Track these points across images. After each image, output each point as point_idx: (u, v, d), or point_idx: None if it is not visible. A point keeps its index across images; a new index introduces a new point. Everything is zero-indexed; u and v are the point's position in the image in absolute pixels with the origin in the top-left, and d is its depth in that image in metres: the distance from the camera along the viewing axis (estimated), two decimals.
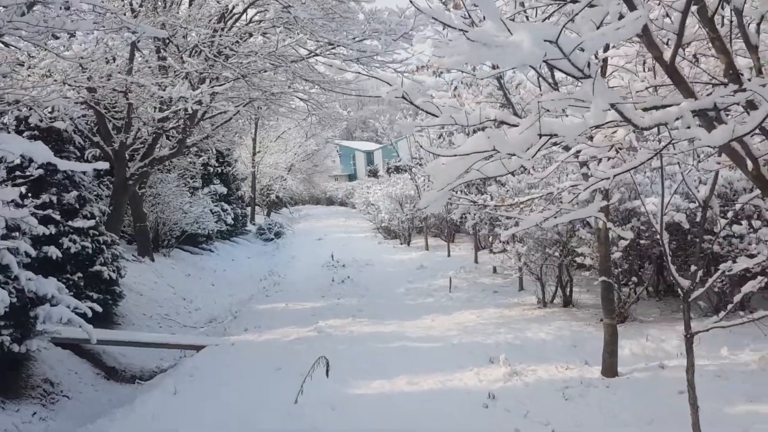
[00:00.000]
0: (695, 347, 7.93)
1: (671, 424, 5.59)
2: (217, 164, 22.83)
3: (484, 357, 8.23)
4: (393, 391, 7.15)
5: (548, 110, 2.44)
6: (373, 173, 51.34)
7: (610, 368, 7.07)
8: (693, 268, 5.18)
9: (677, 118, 2.77)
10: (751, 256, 8.89)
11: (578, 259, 9.82)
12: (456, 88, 7.07)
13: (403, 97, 2.97)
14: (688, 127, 2.83)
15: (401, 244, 22.95)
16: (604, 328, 7.16)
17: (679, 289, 5.21)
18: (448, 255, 18.76)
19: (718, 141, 2.54)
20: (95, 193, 12.30)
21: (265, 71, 13.06)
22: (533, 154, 2.47)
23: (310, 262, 19.05)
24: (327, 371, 6.45)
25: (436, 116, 2.94)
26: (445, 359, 8.32)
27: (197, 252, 20.02)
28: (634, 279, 9.80)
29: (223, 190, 22.76)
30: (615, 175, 3.29)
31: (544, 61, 2.20)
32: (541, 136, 2.48)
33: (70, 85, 9.64)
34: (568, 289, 11.23)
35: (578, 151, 4.47)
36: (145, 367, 10.44)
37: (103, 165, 5.40)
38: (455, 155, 2.40)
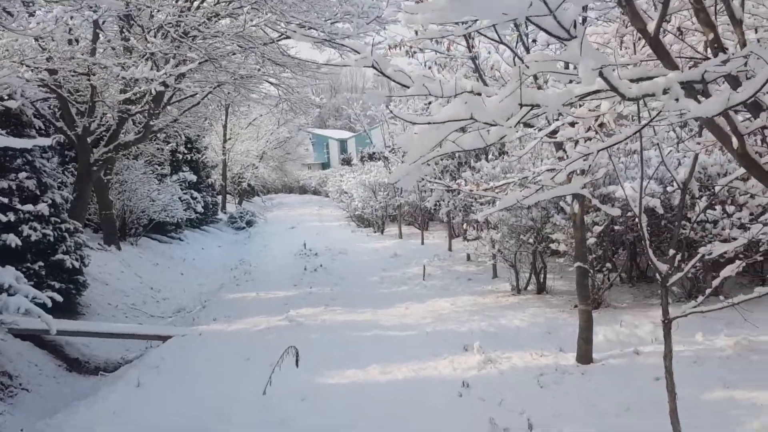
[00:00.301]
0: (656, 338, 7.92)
1: (649, 411, 5.49)
2: (186, 151, 22.39)
3: (459, 345, 8.09)
4: (366, 381, 6.96)
5: (529, 76, 2.25)
6: (347, 161, 51.02)
7: (585, 355, 6.96)
8: (671, 252, 5.07)
9: (665, 90, 2.61)
10: (725, 241, 8.89)
11: (552, 246, 9.72)
12: (430, 68, 6.86)
13: (372, 66, 2.77)
14: (677, 100, 2.67)
15: (375, 232, 22.77)
16: (579, 314, 7.05)
17: (657, 274, 5.10)
18: (422, 243, 18.63)
19: (712, 111, 2.38)
20: (59, 180, 11.89)
21: (234, 54, 12.72)
22: (514, 124, 2.29)
23: (283, 251, 18.79)
24: (297, 361, 6.25)
25: (407, 87, 2.74)
26: (419, 347, 8.16)
27: (166, 240, 19.61)
28: (608, 265, 9.73)
29: (193, 177, 22.36)
30: (599, 150, 3.13)
31: (525, 21, 2.01)
32: (522, 105, 2.29)
33: (27, 65, 9.24)
34: (542, 276, 11.15)
35: (555, 132, 4.31)
36: (110, 359, 10.12)
37: (44, 141, 5.13)
38: (429, 123, 2.21)
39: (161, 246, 18.98)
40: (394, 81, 2.83)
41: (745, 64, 2.81)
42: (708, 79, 2.75)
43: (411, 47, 6.16)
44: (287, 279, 14.29)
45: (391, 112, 2.48)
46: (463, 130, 2.31)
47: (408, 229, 21.51)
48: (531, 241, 10.50)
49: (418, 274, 13.53)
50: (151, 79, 8.91)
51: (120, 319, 12.07)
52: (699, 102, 2.89)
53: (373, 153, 31.13)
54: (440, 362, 7.49)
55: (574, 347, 7.68)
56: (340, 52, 13.13)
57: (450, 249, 16.74)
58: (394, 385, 6.77)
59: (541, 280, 11.12)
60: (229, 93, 16.09)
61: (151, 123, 12.86)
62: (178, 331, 9.76)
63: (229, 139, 32.06)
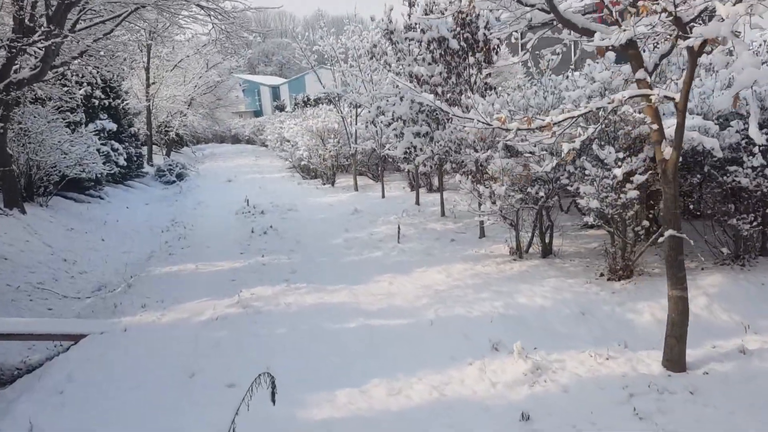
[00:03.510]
0: (745, 324, 6.02)
1: None
2: (103, 96, 19.21)
3: (482, 340, 5.95)
4: (371, 410, 4.77)
5: None
6: (280, 109, 48.36)
7: (678, 360, 4.95)
8: None
9: None
10: None
11: (581, 201, 7.68)
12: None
13: None
14: None
15: (324, 184, 20.39)
16: (670, 303, 5.03)
17: None
18: (383, 196, 16.38)
19: None
20: None
21: None
22: None
23: (222, 209, 16.26)
24: (273, 395, 4.09)
25: None
26: (428, 346, 6.01)
27: (83, 200, 16.73)
28: (645, 223, 7.81)
29: (113, 126, 19.39)
30: None
31: None
32: None
33: None
34: (549, 236, 9.21)
35: None
36: (7, 363, 7.61)
37: None
38: None
39: (77, 206, 16.11)
40: None
41: None
42: None
43: None
44: (232, 245, 11.89)
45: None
46: None
47: (361, 180, 19.23)
48: (541, 194, 8.47)
49: (389, 235, 11.37)
50: None
51: (22, 304, 9.50)
52: None
53: (317, 98, 28.44)
54: (466, 371, 5.37)
55: (635, 338, 5.83)
56: None
57: (417, 203, 14.62)
58: (414, 419, 4.61)
59: (547, 242, 9.18)
60: (149, 20, 13.20)
61: (51, 54, 10.03)
62: (95, 328, 7.31)
63: (153, 83, 28.62)
